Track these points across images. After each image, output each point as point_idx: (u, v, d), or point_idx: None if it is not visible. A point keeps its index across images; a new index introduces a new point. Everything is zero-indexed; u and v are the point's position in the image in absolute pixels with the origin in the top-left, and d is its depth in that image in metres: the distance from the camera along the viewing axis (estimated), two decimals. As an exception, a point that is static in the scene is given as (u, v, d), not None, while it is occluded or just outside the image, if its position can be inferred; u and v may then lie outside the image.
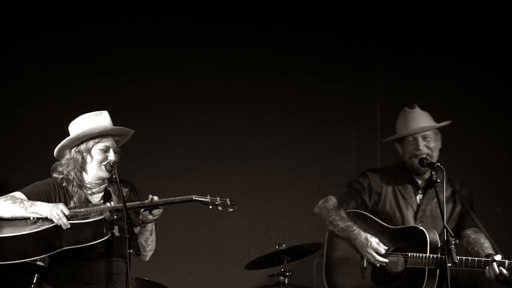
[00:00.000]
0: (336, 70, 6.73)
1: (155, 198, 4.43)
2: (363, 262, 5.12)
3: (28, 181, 4.62)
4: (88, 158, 4.55)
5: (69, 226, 4.32)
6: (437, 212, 5.05)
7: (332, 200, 5.27)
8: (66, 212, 4.35)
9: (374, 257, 5.05)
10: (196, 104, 6.67)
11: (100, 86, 6.54)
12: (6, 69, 6.48)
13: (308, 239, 6.29)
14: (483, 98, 6.55)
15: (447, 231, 4.71)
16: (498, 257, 4.87)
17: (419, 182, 5.19)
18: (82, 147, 4.55)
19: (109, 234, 4.38)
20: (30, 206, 4.40)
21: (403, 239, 5.05)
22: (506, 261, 4.85)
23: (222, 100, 6.69)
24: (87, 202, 4.52)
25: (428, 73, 6.64)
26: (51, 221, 4.34)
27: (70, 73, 6.54)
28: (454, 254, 4.65)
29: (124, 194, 4.45)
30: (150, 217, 4.48)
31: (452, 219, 5.16)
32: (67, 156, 4.58)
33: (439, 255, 4.90)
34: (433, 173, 4.99)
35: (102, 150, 4.55)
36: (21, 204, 4.40)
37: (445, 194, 4.95)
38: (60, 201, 4.48)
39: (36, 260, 5.10)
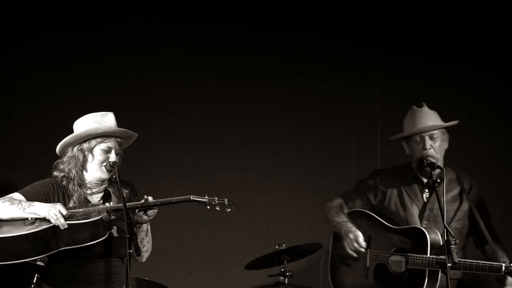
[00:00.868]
0: (336, 70, 6.72)
1: (150, 198, 4.42)
2: (366, 261, 5.12)
3: (28, 181, 4.62)
4: (90, 157, 4.55)
5: (66, 226, 4.33)
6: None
7: (337, 200, 5.30)
8: (64, 212, 4.35)
9: (351, 241, 5.03)
10: (196, 105, 6.66)
11: (101, 87, 6.53)
12: (6, 69, 6.48)
13: (308, 239, 6.29)
14: (483, 98, 6.55)
15: (447, 231, 4.70)
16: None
17: (425, 180, 5.16)
18: (85, 145, 4.55)
19: (107, 235, 4.39)
20: (28, 206, 4.40)
21: (404, 239, 5.05)
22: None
23: (222, 101, 6.69)
24: (86, 202, 4.53)
25: (428, 73, 6.63)
26: (49, 221, 4.35)
27: (71, 74, 6.53)
28: (454, 254, 4.65)
29: (124, 195, 4.44)
30: (145, 217, 4.48)
31: (458, 218, 5.13)
32: (69, 154, 4.58)
33: (439, 256, 4.88)
34: (433, 173, 4.99)
35: (104, 150, 4.55)
36: (19, 205, 4.40)
37: (452, 192, 4.94)
38: (58, 201, 4.49)
39: (36, 260, 5.09)
